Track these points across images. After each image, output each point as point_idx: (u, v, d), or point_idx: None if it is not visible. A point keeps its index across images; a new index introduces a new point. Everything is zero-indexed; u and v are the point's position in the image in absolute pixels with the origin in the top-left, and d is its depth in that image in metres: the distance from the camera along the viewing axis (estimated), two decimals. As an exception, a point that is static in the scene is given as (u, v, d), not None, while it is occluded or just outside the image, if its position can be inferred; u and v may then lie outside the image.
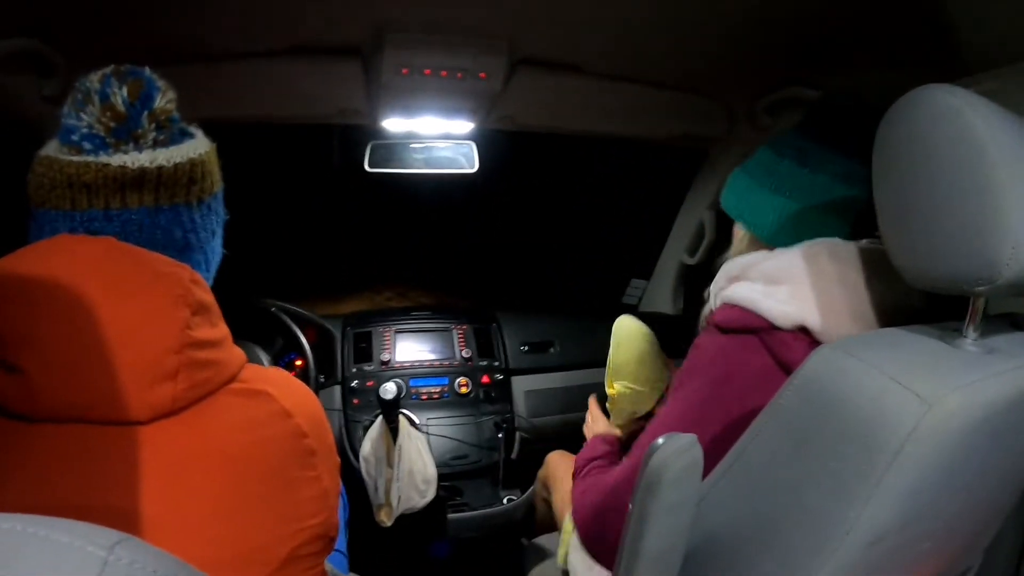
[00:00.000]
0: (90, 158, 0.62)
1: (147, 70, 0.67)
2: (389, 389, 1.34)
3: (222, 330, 0.65)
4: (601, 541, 1.01)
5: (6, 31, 0.94)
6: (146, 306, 0.57)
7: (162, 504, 0.55)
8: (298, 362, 1.61)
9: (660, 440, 0.66)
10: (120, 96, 0.63)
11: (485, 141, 1.74)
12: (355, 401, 1.76)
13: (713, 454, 0.76)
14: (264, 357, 1.54)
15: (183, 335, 0.58)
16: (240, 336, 1.64)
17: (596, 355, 2.04)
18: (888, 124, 0.72)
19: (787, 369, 0.85)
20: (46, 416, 0.54)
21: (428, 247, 5.34)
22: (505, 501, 1.63)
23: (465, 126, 1.52)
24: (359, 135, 1.77)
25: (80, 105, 0.64)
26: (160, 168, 0.65)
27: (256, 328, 1.61)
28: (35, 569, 0.32)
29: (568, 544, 1.20)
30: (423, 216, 5.48)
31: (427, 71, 1.19)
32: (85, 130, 0.63)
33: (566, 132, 1.64)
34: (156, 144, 0.66)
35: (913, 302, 0.85)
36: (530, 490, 1.64)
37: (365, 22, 1.08)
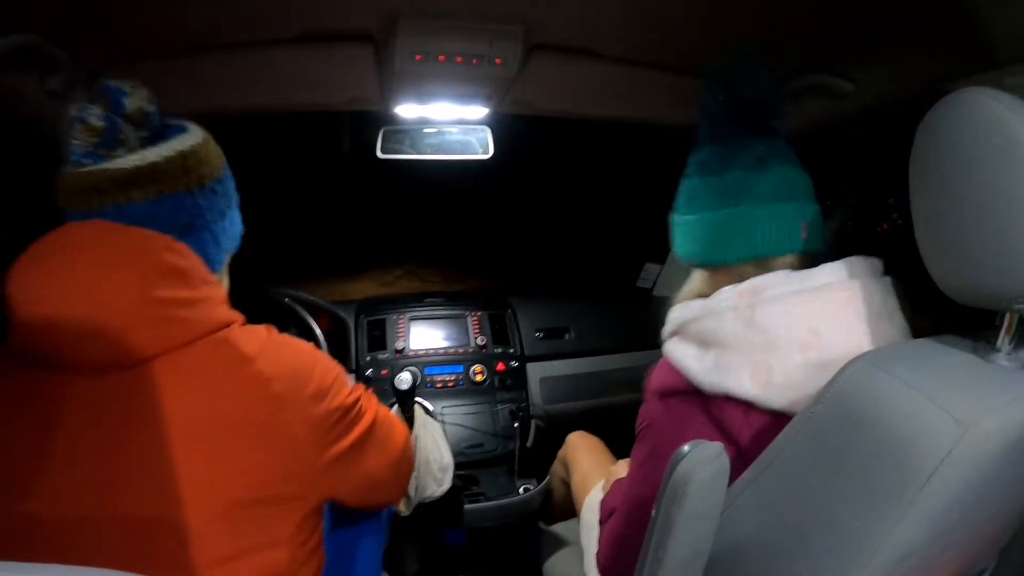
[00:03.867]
0: (92, 168, 0.74)
1: (112, 82, 0.77)
2: (404, 379, 1.33)
3: (200, 292, 0.74)
4: None
5: (8, 28, 0.92)
6: (116, 270, 0.68)
7: (115, 449, 0.67)
8: None
9: (686, 448, 0.65)
10: (92, 114, 0.74)
11: (499, 125, 1.71)
12: (370, 390, 1.76)
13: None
14: None
15: (144, 293, 0.68)
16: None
17: (612, 341, 2.04)
18: (927, 128, 0.69)
19: (728, 435, 0.84)
20: (30, 362, 0.68)
21: (439, 229, 5.32)
22: (521, 490, 1.63)
23: (479, 111, 1.49)
24: (370, 119, 1.74)
25: (69, 133, 0.75)
26: (153, 164, 0.75)
27: (269, 318, 1.60)
28: None
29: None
30: (434, 199, 5.46)
31: (441, 57, 1.16)
32: (79, 151, 0.74)
33: (581, 116, 1.61)
34: (144, 144, 0.77)
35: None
36: (546, 479, 1.63)
37: (378, 8, 1.05)
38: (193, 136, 0.81)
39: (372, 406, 0.93)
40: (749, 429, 0.83)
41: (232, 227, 0.88)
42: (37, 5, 0.91)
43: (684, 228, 1.00)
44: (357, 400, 0.87)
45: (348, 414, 0.84)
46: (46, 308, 0.66)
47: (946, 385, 0.62)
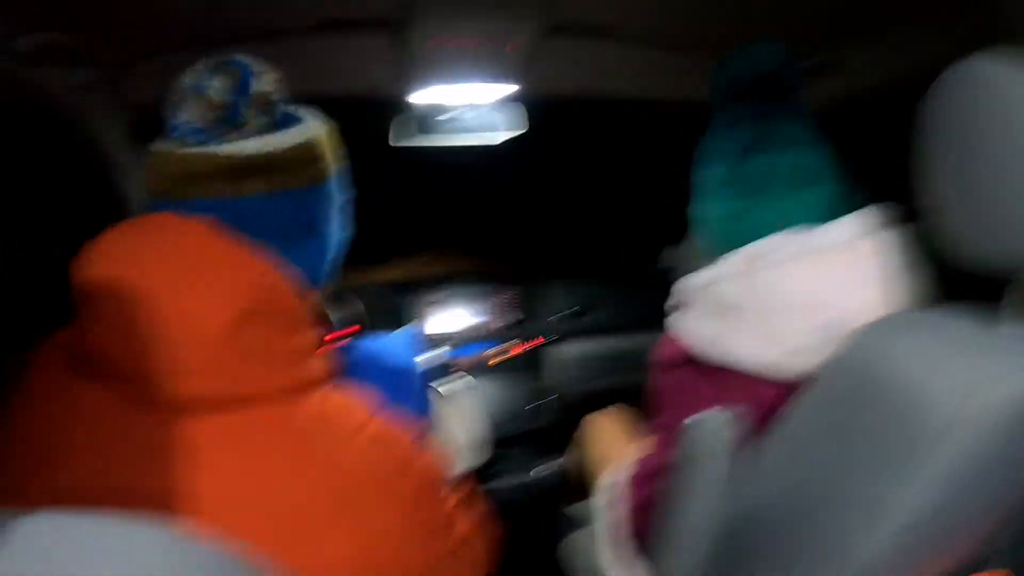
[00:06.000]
0: (198, 150, 0.64)
1: (243, 57, 0.67)
2: (430, 359, 1.36)
3: (303, 339, 0.63)
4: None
5: (32, 25, 0.95)
6: (200, 297, 0.57)
7: (172, 491, 0.55)
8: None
9: (697, 417, 0.67)
10: (213, 87, 0.64)
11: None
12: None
13: None
14: None
15: (224, 332, 0.57)
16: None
17: (631, 320, 2.04)
18: (935, 98, 0.69)
19: (736, 405, 0.82)
20: (94, 378, 0.58)
21: (459, 213, 5.33)
22: (541, 470, 1.65)
23: (497, 94, 1.50)
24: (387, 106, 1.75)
25: (179, 103, 0.65)
26: (269, 155, 0.65)
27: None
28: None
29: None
30: (454, 183, 5.46)
31: (458, 41, 1.18)
32: (187, 126, 0.64)
33: (599, 97, 1.61)
34: (263, 130, 0.66)
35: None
36: (565, 459, 1.65)
37: None
38: (312, 127, 0.71)
39: (467, 517, 0.78)
40: (755, 397, 0.82)
41: (339, 232, 0.78)
42: (58, 2, 0.92)
43: (699, 217, 1.02)
44: (455, 505, 0.74)
45: (445, 516, 0.71)
46: (120, 324, 0.56)
47: (953, 353, 0.63)
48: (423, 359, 1.35)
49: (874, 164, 1.51)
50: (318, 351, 0.66)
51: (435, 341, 1.86)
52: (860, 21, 1.11)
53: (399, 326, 1.60)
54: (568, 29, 1.20)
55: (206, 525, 0.52)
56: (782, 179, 0.89)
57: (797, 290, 0.80)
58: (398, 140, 1.70)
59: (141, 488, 0.55)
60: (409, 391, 0.91)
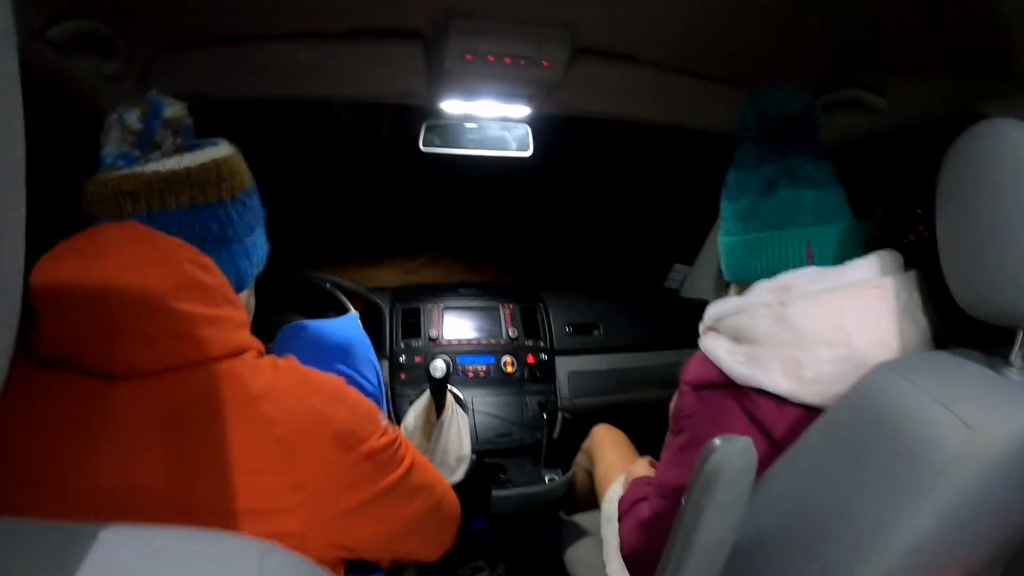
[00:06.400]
0: (127, 171, 0.73)
1: (153, 90, 0.78)
2: (439, 367, 1.37)
3: (219, 311, 0.69)
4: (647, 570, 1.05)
5: (70, 12, 0.97)
6: (140, 275, 0.65)
7: (117, 458, 0.62)
8: None
9: (717, 442, 0.69)
10: (131, 116, 0.74)
11: (536, 122, 1.74)
12: (402, 376, 1.81)
13: None
14: None
15: (162, 303, 0.64)
16: (291, 309, 1.67)
17: (640, 339, 2.07)
18: (954, 155, 0.73)
19: (762, 428, 0.88)
20: (49, 359, 0.64)
21: (467, 219, 5.35)
22: (547, 480, 1.67)
23: (522, 110, 1.53)
24: (411, 109, 1.78)
25: (106, 135, 0.76)
26: (188, 169, 0.75)
27: (307, 302, 1.65)
28: None
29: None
30: (465, 190, 5.49)
31: (491, 58, 1.20)
32: (115, 152, 0.74)
33: (620, 118, 1.64)
34: (180, 150, 0.76)
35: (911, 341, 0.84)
36: (571, 470, 1.67)
37: (431, 9, 1.09)
38: (224, 148, 0.81)
39: (409, 451, 0.83)
40: (782, 421, 0.87)
41: (261, 243, 0.87)
42: None
43: (721, 246, 1.06)
44: (391, 444, 0.77)
45: (376, 459, 0.75)
46: (67, 308, 0.64)
47: (960, 393, 0.68)
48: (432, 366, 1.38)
49: (882, 200, 1.54)
50: (245, 324, 0.73)
51: (445, 349, 1.88)
52: (877, 60, 1.14)
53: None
54: (595, 52, 1.23)
55: (158, 481, 0.61)
56: (805, 214, 0.94)
57: (825, 323, 0.85)
58: (427, 146, 1.72)
59: (104, 452, 0.62)
60: (343, 362, 1.08)
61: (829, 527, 0.74)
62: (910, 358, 0.78)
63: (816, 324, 0.85)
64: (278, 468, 0.65)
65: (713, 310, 0.99)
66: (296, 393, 0.69)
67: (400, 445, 0.80)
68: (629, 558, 1.10)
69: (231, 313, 0.71)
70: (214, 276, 0.71)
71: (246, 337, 0.71)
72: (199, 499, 0.62)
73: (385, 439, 0.76)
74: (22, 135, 0.31)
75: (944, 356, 0.76)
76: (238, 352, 0.68)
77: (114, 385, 0.63)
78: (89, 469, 0.61)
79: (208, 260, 0.72)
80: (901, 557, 0.68)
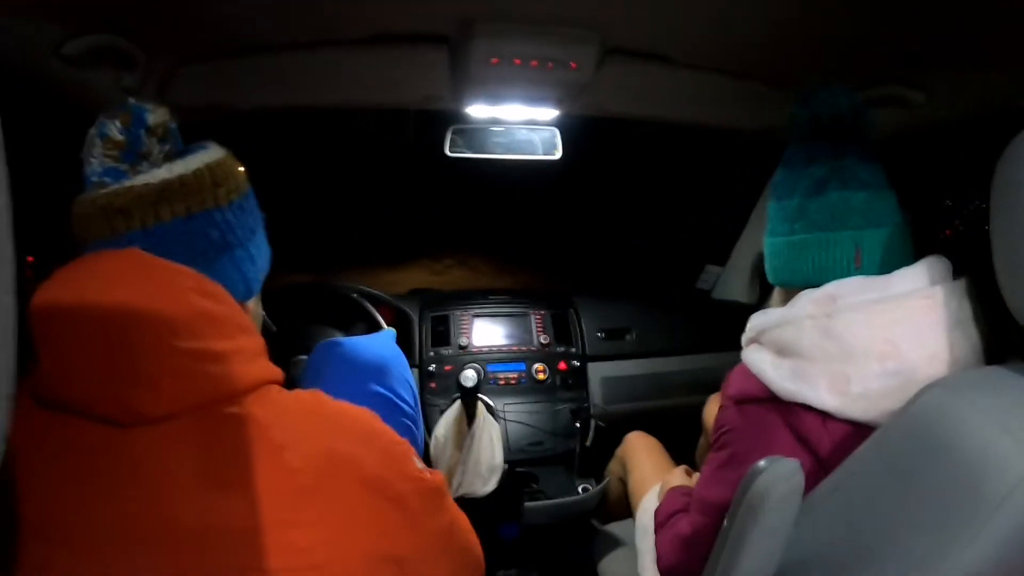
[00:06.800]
0: (115, 187, 0.68)
1: (131, 100, 0.72)
2: (469, 376, 1.35)
3: (234, 343, 0.65)
4: None
5: (87, 27, 0.95)
6: (141, 314, 0.60)
7: (114, 515, 0.58)
8: None
9: (763, 464, 0.66)
10: (114, 128, 0.69)
11: (564, 125, 1.72)
12: (432, 385, 1.79)
13: None
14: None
15: (167, 343, 0.60)
16: (320, 321, 1.67)
17: (673, 343, 2.03)
18: (1008, 161, 0.68)
19: (807, 444, 0.85)
20: (58, 405, 0.60)
21: (494, 221, 5.35)
22: (580, 490, 1.64)
23: (550, 113, 1.50)
24: (436, 113, 1.77)
25: (89, 152, 0.70)
26: (181, 177, 0.69)
27: (338, 313, 1.64)
28: None
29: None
30: (493, 193, 5.49)
31: (517, 61, 1.17)
32: (100, 168, 0.69)
33: (651, 119, 1.61)
34: (169, 157, 0.71)
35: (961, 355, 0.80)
36: (605, 480, 1.64)
37: (456, 12, 1.07)
38: (215, 152, 0.76)
39: (450, 509, 0.79)
40: (828, 438, 0.83)
41: (263, 246, 0.82)
42: (116, 3, 0.93)
43: (766, 248, 1.03)
44: (429, 492, 0.74)
45: (407, 509, 0.70)
46: (68, 351, 0.60)
47: (1019, 414, 0.63)
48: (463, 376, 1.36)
49: (928, 200, 1.49)
50: (261, 352, 0.70)
51: (475, 356, 1.86)
52: (917, 56, 1.09)
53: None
54: (625, 53, 1.19)
55: (184, 522, 0.57)
56: (855, 215, 0.90)
57: (874, 336, 0.81)
58: (454, 150, 1.71)
59: (122, 505, 0.58)
60: (377, 381, 1.05)
61: (878, 555, 0.69)
62: (964, 376, 0.73)
63: (865, 337, 0.82)
64: (310, 521, 0.61)
65: (756, 321, 0.96)
66: (321, 438, 0.65)
67: (438, 495, 0.76)
68: (666, 572, 1.06)
69: (245, 344, 0.67)
70: (223, 304, 0.67)
71: (264, 368, 0.68)
72: (234, 551, 0.58)
73: (423, 486, 0.73)
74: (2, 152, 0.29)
75: (1000, 372, 0.71)
76: (255, 387, 0.65)
77: (127, 432, 0.59)
78: (121, 513, 0.58)
79: (216, 287, 0.68)
80: None
